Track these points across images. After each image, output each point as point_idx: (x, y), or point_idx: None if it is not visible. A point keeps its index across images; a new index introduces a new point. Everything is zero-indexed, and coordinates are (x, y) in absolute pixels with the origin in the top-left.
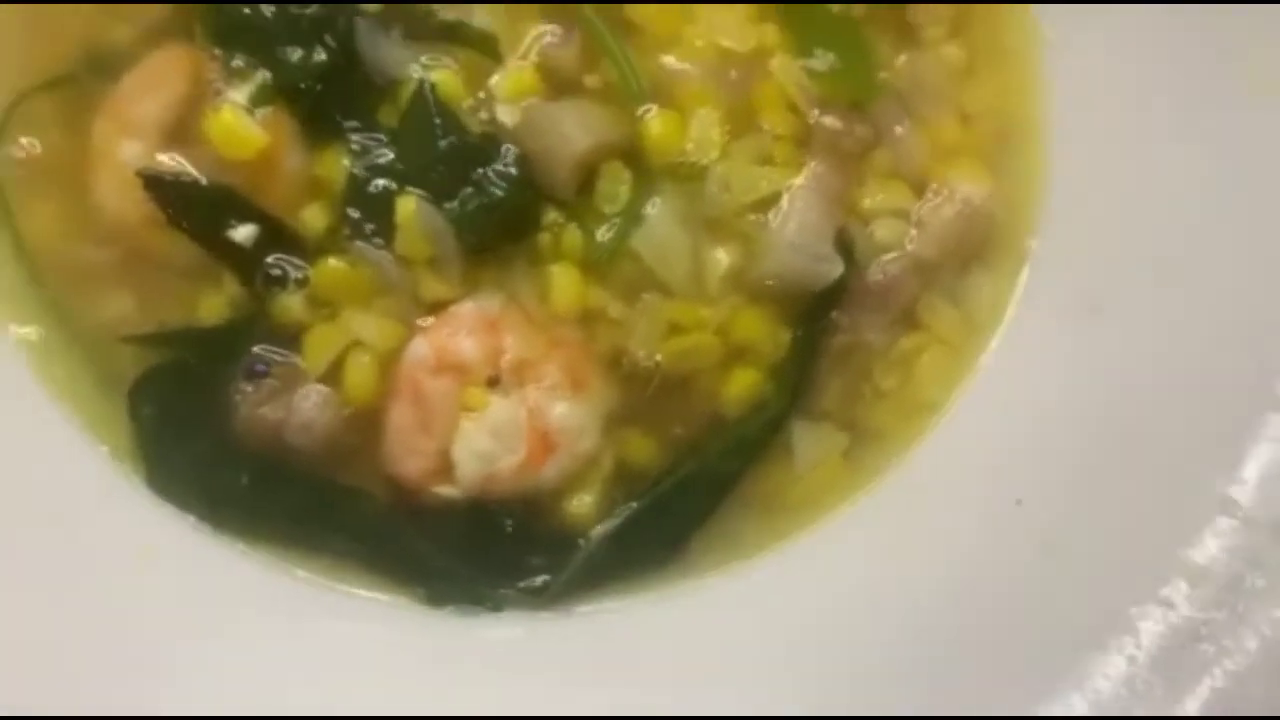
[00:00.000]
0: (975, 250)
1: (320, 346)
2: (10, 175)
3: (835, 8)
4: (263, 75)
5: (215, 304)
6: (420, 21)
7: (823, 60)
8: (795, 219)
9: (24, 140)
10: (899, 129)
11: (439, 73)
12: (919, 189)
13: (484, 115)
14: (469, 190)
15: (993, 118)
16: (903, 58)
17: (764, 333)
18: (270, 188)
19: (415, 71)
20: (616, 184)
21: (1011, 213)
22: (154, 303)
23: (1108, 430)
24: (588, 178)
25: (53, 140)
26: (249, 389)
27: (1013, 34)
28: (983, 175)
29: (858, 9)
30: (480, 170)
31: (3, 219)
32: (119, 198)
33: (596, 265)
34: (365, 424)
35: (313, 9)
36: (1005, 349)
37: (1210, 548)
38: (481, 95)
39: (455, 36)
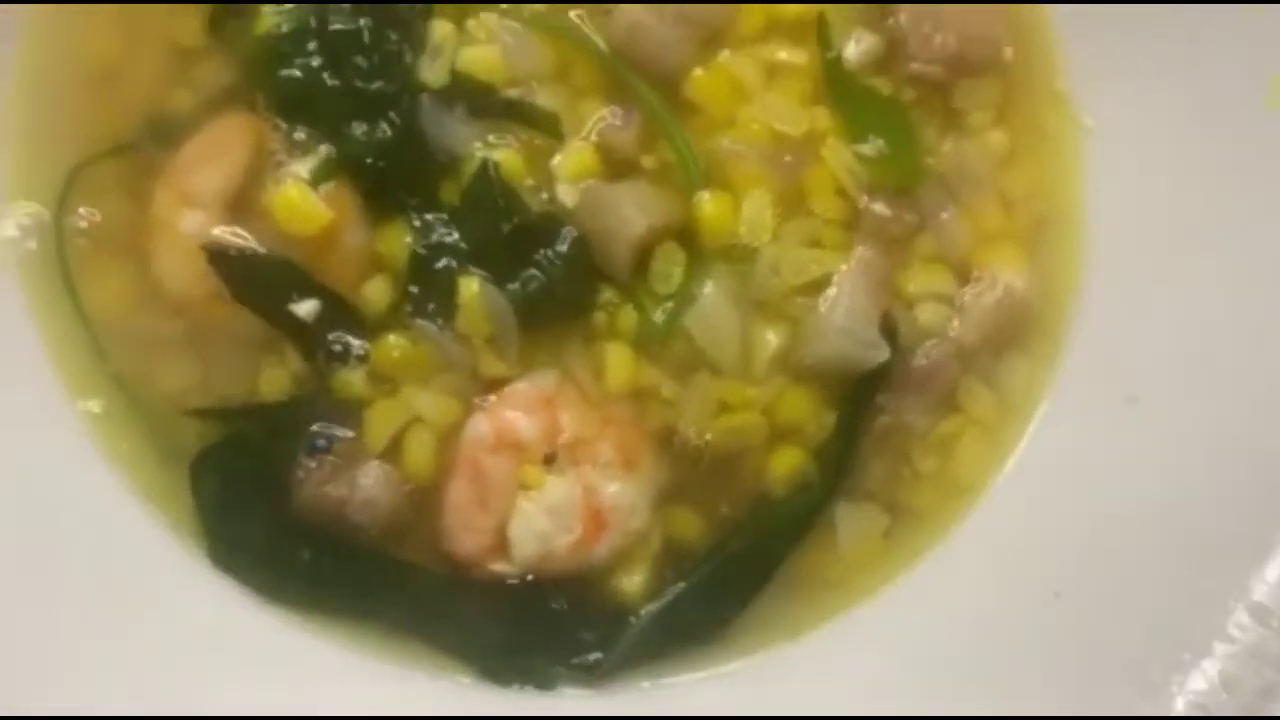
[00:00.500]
0: (1013, 335)
1: (381, 423)
2: (73, 245)
3: (885, 92)
4: (326, 149)
5: (277, 378)
6: (483, 99)
7: (872, 145)
8: (843, 304)
9: (84, 210)
10: (943, 214)
11: (501, 152)
12: (961, 273)
13: (544, 195)
14: (530, 272)
15: (1033, 203)
16: (948, 143)
17: (809, 414)
18: (332, 262)
19: (478, 150)
20: (671, 265)
21: (1048, 298)
22: (216, 375)
23: (1142, 520)
24: (643, 258)
25: (114, 208)
26: (311, 465)
27: (1053, 120)
28: (1022, 261)
29: (907, 93)
30: (541, 251)
31: (66, 290)
32: (181, 270)
33: (649, 344)
34: (424, 499)
35: (377, 84)
36: (1042, 434)
37: (1238, 642)
38: (542, 174)
39: (518, 115)
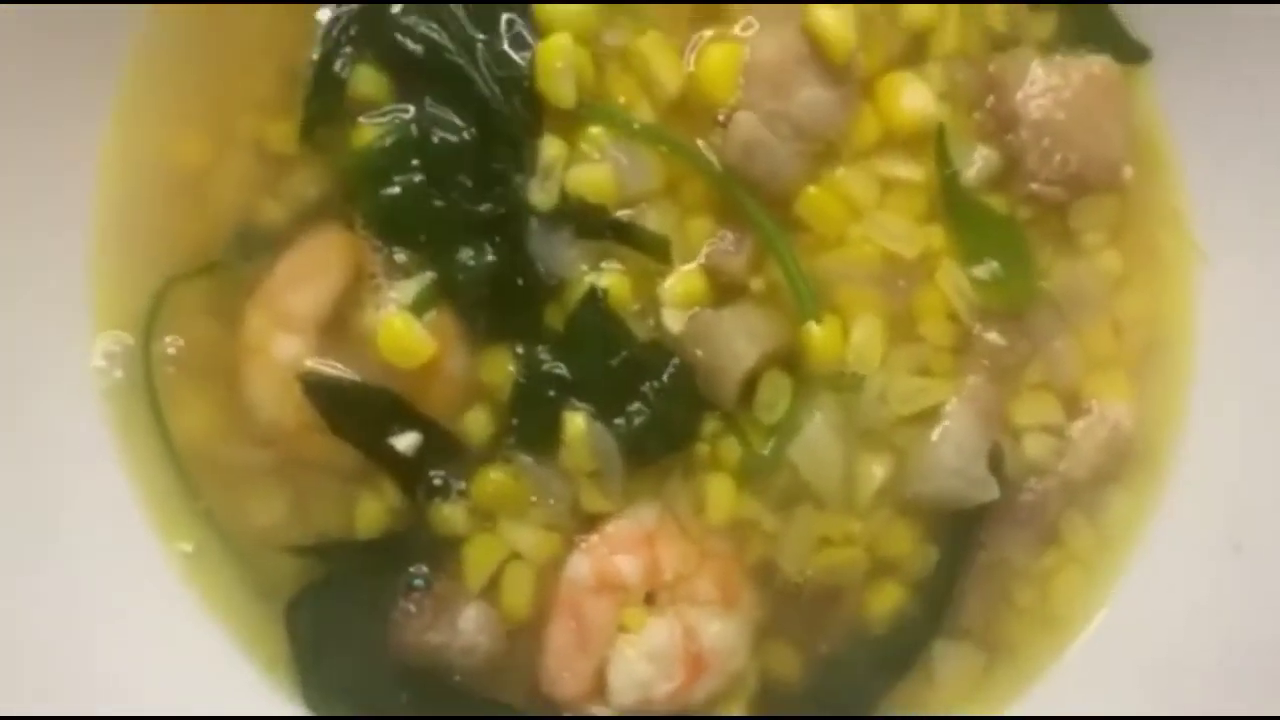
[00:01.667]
0: (1114, 468)
1: (480, 560)
2: (161, 373)
3: (1001, 210)
4: (429, 275)
5: (374, 512)
6: (592, 220)
7: (987, 268)
8: (952, 439)
9: (170, 339)
10: (1055, 341)
11: (609, 277)
12: (1069, 401)
13: (650, 320)
14: (636, 406)
15: (1143, 328)
16: (1060, 264)
17: (911, 549)
18: (432, 390)
19: (584, 273)
20: (777, 394)
21: (1153, 429)
22: (310, 508)
23: (1237, 667)
24: (746, 386)
25: (202, 331)
26: (410, 608)
27: (1168, 241)
28: (1131, 391)
29: (1022, 212)
30: (647, 383)
31: (154, 421)
32: (275, 400)
33: (753, 477)
34: (521, 638)
35: (484, 206)
36: (1142, 570)
37: None
38: (648, 298)
39: (627, 238)
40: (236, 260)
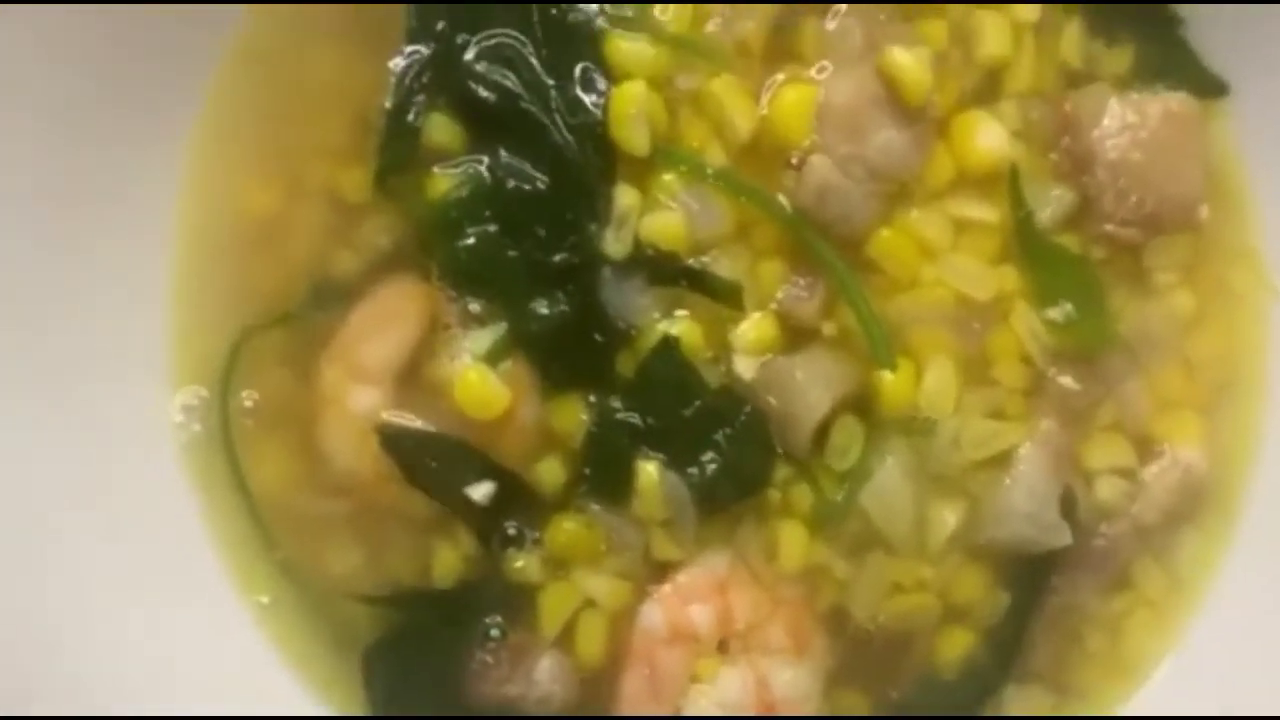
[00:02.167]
0: (1187, 510)
1: (555, 609)
2: (238, 425)
3: (1075, 251)
4: (503, 326)
5: (449, 561)
6: (664, 268)
7: (1061, 310)
8: (1025, 484)
9: (246, 393)
10: (1128, 383)
11: (680, 325)
12: (1141, 444)
13: (722, 367)
14: (709, 455)
15: (1216, 368)
16: (1133, 305)
17: (983, 595)
18: (505, 439)
19: (656, 320)
20: (849, 440)
21: (1225, 470)
22: (385, 558)
23: None
24: (818, 431)
25: (278, 382)
26: (486, 659)
27: (1242, 280)
28: (1203, 433)
29: (1096, 252)
30: (720, 431)
31: (232, 474)
32: (352, 451)
33: (825, 523)
34: (595, 687)
35: (559, 256)
36: (1213, 615)
37: None
38: (720, 345)
39: (699, 285)
40: (311, 311)
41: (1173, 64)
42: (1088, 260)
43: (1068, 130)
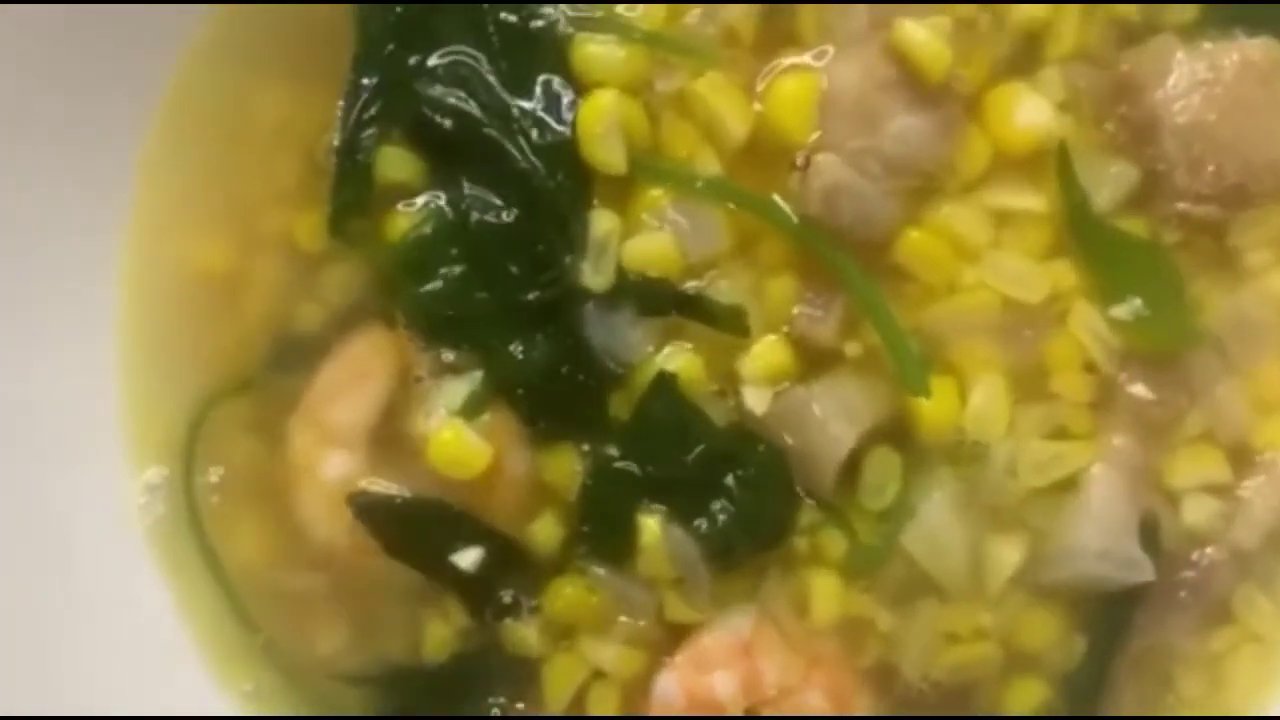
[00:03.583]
0: None
1: (560, 682)
2: (205, 503)
3: (1143, 236)
4: (479, 374)
5: (441, 635)
6: (656, 296)
7: (1129, 306)
8: (1096, 514)
9: (212, 469)
10: (1218, 387)
11: (678, 359)
12: (1237, 456)
13: (730, 401)
14: (718, 503)
15: None
16: (1220, 293)
17: (1053, 639)
18: (493, 498)
19: (650, 355)
20: (885, 475)
21: None
22: (374, 633)
23: None
24: (848, 466)
25: (245, 452)
26: None
27: None
28: None
29: (1168, 235)
30: (730, 475)
31: (205, 558)
32: (327, 521)
33: (861, 571)
34: None
35: (532, 294)
36: None
37: None
38: (727, 376)
39: (696, 312)
40: (275, 374)
41: (1250, 4)
42: (1159, 246)
43: (1125, 95)
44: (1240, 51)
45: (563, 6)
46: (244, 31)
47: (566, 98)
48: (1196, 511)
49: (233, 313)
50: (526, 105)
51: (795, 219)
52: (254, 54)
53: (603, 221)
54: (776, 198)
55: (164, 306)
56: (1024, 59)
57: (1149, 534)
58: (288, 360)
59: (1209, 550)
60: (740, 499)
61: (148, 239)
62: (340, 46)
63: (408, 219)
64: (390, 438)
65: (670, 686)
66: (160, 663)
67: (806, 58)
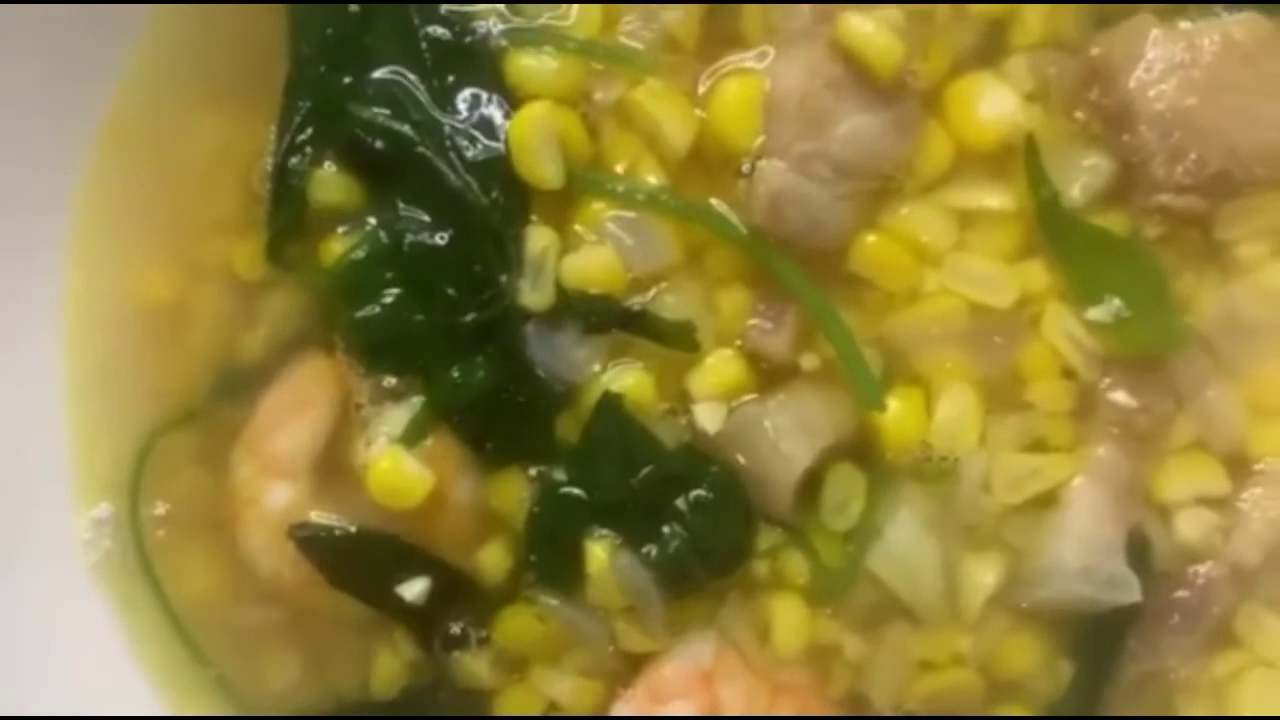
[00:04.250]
0: None
1: (513, 715)
2: (151, 538)
3: (1121, 232)
4: (418, 400)
5: (390, 669)
6: (598, 314)
7: (1107, 307)
8: (1078, 531)
9: (159, 502)
10: (1208, 391)
11: (625, 378)
12: (1233, 465)
13: (681, 421)
14: (669, 528)
15: None
16: (1209, 290)
17: (1037, 665)
18: (440, 527)
19: (597, 374)
20: (847, 493)
21: None
22: (326, 667)
23: None
24: (809, 485)
25: (192, 484)
26: None
27: None
28: None
29: (1149, 230)
30: (682, 498)
31: (154, 595)
32: (272, 554)
33: (826, 595)
34: None
35: (470, 315)
36: None
37: None
38: (677, 395)
39: (642, 329)
40: (219, 404)
41: None
42: (1139, 242)
43: (1097, 82)
44: (1221, 30)
45: (495, 20)
46: (181, 59)
47: (500, 112)
48: (1190, 526)
49: (176, 343)
50: (459, 122)
51: (744, 229)
52: (191, 81)
53: (539, 238)
54: (724, 207)
55: (109, 342)
56: (990, 48)
57: (1138, 551)
58: (232, 390)
59: (1205, 567)
60: (693, 523)
61: (89, 271)
62: (276, 71)
63: (343, 243)
64: (334, 467)
65: None
66: (111, 698)
67: (750, 59)
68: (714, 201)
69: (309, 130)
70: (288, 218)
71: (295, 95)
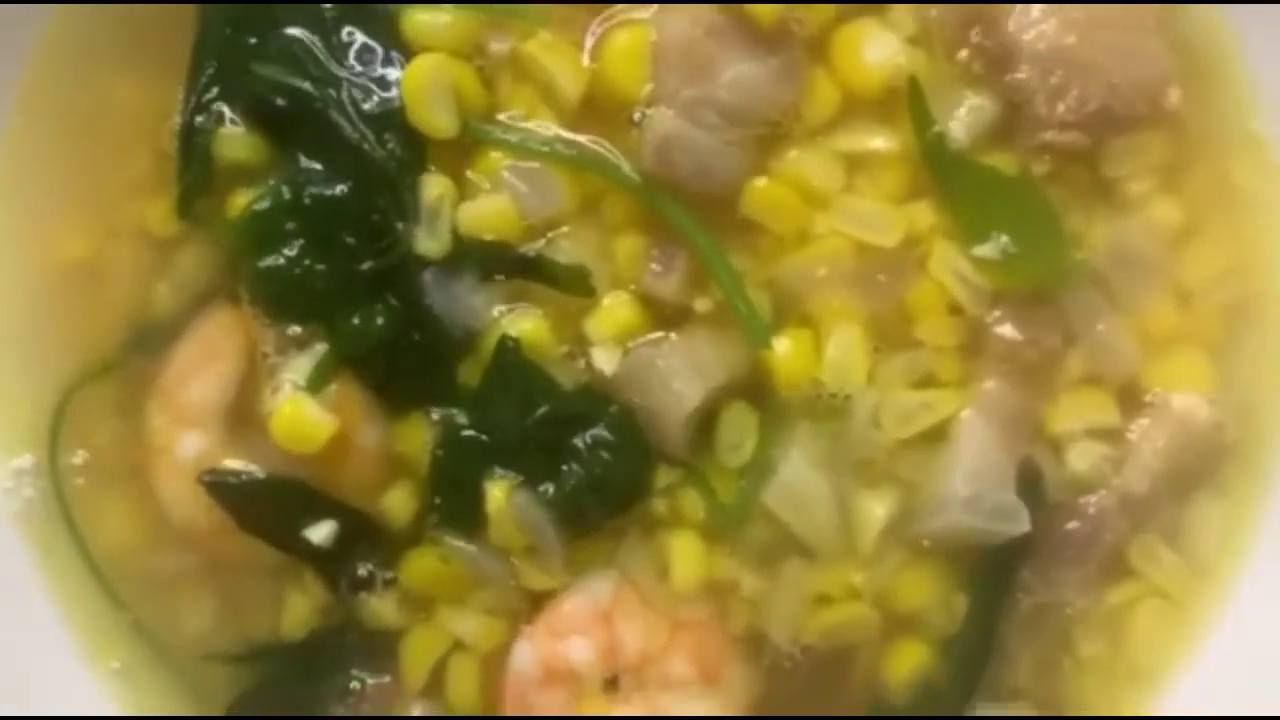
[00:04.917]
0: (1200, 474)
1: (418, 656)
2: (71, 487)
3: (1009, 170)
4: (321, 347)
5: (300, 611)
6: (496, 259)
7: (994, 244)
8: (967, 463)
9: (78, 452)
10: (1099, 324)
11: (522, 323)
12: (1125, 396)
13: (580, 364)
14: (567, 467)
15: (1221, 290)
16: (1099, 226)
17: (933, 599)
18: (346, 472)
19: (494, 318)
20: (740, 431)
21: (1245, 418)
22: (239, 611)
23: None
24: (706, 424)
25: (109, 434)
26: (348, 714)
27: (1245, 175)
28: (1207, 374)
29: (1038, 168)
30: (579, 438)
31: (72, 541)
32: (185, 502)
33: (723, 531)
34: None
35: (369, 264)
36: (1244, 603)
37: None
38: (575, 338)
39: (538, 274)
40: (135, 357)
41: None
42: (1026, 180)
43: (978, 24)
44: None
45: None
46: (94, 24)
47: (395, 66)
48: (1081, 458)
49: (93, 299)
50: (355, 76)
51: (636, 176)
52: (104, 46)
53: (434, 186)
54: (618, 155)
55: (25, 296)
56: None
57: (1030, 484)
58: (147, 343)
59: (1096, 497)
60: (590, 461)
61: (5, 233)
62: (186, 35)
63: (247, 198)
64: (244, 415)
65: (525, 655)
66: (28, 642)
67: (637, 9)
68: (608, 149)
69: (215, 90)
70: (195, 175)
71: (202, 57)
